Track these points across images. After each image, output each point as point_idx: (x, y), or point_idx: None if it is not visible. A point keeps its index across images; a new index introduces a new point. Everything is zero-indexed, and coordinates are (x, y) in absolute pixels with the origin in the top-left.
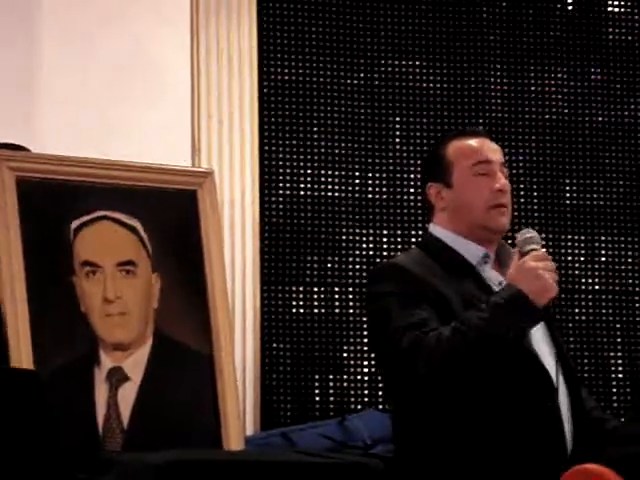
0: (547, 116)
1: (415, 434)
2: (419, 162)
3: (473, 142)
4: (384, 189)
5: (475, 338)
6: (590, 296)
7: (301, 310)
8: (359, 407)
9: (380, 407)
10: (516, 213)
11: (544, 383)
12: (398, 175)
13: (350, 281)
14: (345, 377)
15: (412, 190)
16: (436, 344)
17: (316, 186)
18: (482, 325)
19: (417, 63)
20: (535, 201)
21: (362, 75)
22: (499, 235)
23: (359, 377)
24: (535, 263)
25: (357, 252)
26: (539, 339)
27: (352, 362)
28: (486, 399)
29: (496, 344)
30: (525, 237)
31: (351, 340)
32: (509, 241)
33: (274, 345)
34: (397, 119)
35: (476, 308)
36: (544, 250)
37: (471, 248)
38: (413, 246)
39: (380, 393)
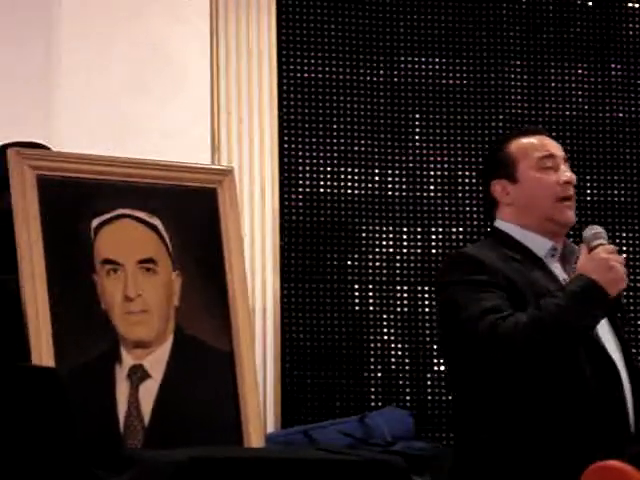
0: (567, 112)
1: (483, 423)
2: (439, 159)
3: (534, 139)
4: (404, 186)
5: (552, 325)
6: None
7: (321, 307)
8: (380, 404)
9: (400, 404)
10: None
11: (611, 374)
12: (418, 172)
13: (370, 278)
14: (365, 374)
15: (432, 187)
16: (514, 329)
17: (336, 183)
18: (559, 312)
19: (437, 60)
20: None
21: (382, 72)
22: (566, 229)
23: (380, 374)
24: (607, 255)
25: (377, 249)
26: (605, 330)
27: (372, 359)
28: (555, 388)
29: (571, 332)
30: (593, 232)
31: (371, 337)
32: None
33: (294, 343)
34: (417, 116)
35: (551, 295)
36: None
37: (539, 241)
38: (482, 238)
39: (400, 390)
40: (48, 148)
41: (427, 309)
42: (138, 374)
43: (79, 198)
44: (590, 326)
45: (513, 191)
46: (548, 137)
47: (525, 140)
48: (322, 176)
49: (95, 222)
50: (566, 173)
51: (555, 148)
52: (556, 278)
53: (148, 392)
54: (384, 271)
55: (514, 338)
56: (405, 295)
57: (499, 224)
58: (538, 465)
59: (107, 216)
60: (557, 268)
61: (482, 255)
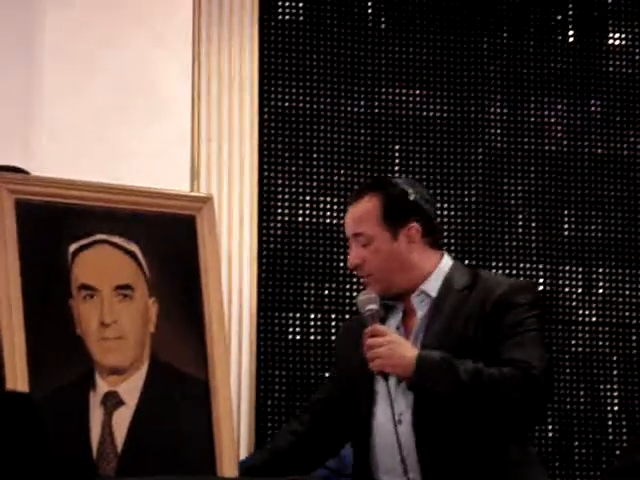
0: (546, 147)
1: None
2: None
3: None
4: None
5: None
6: (587, 328)
7: (297, 337)
8: None
9: None
10: (514, 243)
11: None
12: None
13: (347, 308)
14: None
15: None
16: None
17: (314, 212)
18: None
19: (417, 92)
20: (533, 231)
21: (362, 102)
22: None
23: None
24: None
25: (354, 279)
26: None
27: None
28: None
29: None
30: (365, 297)
31: None
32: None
33: (269, 371)
34: (397, 147)
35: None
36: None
37: None
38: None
39: None
40: (27, 172)
41: None
42: (112, 401)
43: (57, 222)
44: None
45: None
46: (354, 203)
47: None
48: (301, 205)
49: (73, 247)
50: (350, 256)
51: (347, 226)
52: None
53: (122, 419)
54: None
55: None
56: None
57: None
58: None
59: (85, 241)
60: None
61: None
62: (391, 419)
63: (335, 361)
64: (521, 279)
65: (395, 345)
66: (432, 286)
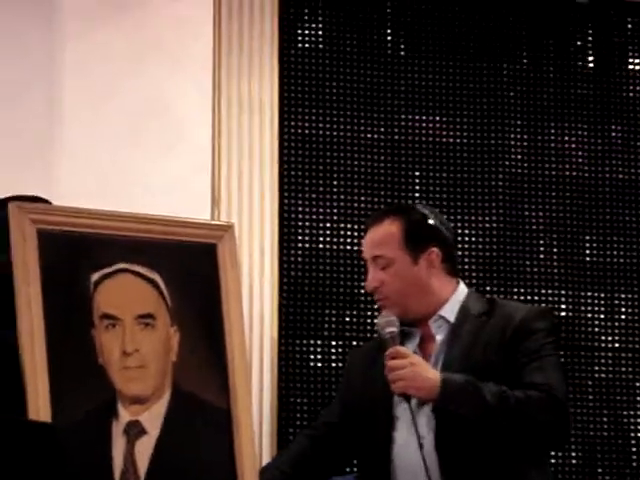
0: (567, 172)
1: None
2: None
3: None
4: None
5: None
6: (610, 354)
7: (319, 364)
8: None
9: None
10: (535, 269)
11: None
12: None
13: (368, 335)
14: None
15: None
16: None
17: (335, 239)
18: None
19: (437, 118)
20: (555, 257)
21: (382, 129)
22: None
23: None
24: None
25: (375, 306)
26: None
27: None
28: None
29: None
30: (385, 320)
31: None
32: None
33: (291, 399)
34: (417, 174)
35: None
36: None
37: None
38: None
39: None
40: (49, 202)
41: None
42: (135, 430)
43: (79, 252)
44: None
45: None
46: (374, 225)
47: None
48: (322, 232)
49: (95, 276)
50: (368, 279)
51: (365, 247)
52: None
53: (144, 448)
54: None
55: None
56: None
57: None
58: None
59: (107, 270)
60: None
61: None
62: (412, 443)
63: (344, 386)
64: (539, 305)
65: (418, 367)
66: (450, 312)
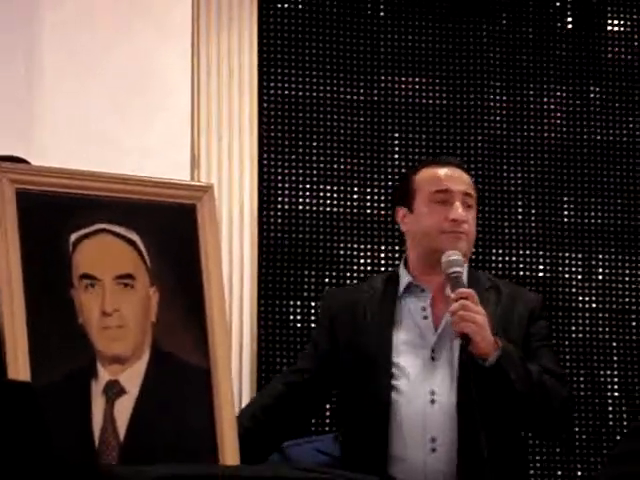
0: (545, 134)
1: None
2: None
3: (440, 171)
4: (382, 204)
5: None
6: (587, 314)
7: (298, 324)
8: None
9: None
10: (514, 230)
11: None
12: None
13: None
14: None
15: None
16: None
17: (315, 201)
18: None
19: (417, 79)
20: (533, 219)
21: (362, 90)
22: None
23: None
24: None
25: (355, 267)
26: None
27: None
28: None
29: None
30: (450, 259)
31: None
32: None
33: (270, 359)
34: (396, 135)
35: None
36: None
37: (403, 277)
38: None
39: None
40: (28, 162)
41: None
42: (114, 390)
43: (58, 212)
44: None
45: (409, 220)
46: (459, 170)
47: (431, 171)
48: (301, 193)
49: (74, 236)
50: (458, 210)
51: (455, 183)
52: (392, 317)
53: (123, 408)
54: None
55: None
56: None
57: None
58: None
59: (86, 230)
60: (410, 303)
61: None
62: (423, 394)
63: (324, 332)
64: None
65: (486, 319)
66: (464, 274)
